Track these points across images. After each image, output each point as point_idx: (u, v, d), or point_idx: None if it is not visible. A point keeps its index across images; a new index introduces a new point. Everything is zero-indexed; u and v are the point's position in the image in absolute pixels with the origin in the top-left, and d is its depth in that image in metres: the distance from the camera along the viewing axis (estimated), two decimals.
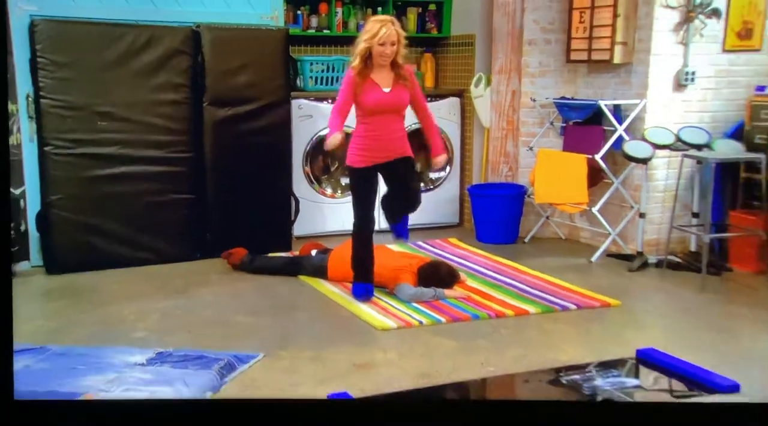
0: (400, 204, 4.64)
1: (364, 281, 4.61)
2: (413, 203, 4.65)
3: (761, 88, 5.68)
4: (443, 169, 6.56)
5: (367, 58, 4.31)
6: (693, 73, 5.59)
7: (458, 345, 3.98)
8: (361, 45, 4.31)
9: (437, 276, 4.80)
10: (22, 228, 5.23)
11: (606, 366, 3.74)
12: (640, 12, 5.61)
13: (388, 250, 5.23)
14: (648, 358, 3.80)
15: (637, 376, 3.70)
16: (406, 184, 4.58)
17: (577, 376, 3.59)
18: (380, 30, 4.24)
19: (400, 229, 4.79)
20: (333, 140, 4.29)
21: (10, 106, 5.11)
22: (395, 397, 2.74)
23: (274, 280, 5.07)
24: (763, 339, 4.13)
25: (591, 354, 3.90)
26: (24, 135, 5.19)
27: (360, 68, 4.31)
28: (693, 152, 5.31)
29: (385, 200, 4.73)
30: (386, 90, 4.38)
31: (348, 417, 2.04)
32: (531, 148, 6.25)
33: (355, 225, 4.56)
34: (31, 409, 1.85)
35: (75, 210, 5.22)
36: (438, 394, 3.43)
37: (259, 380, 3.53)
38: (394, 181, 4.57)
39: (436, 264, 4.99)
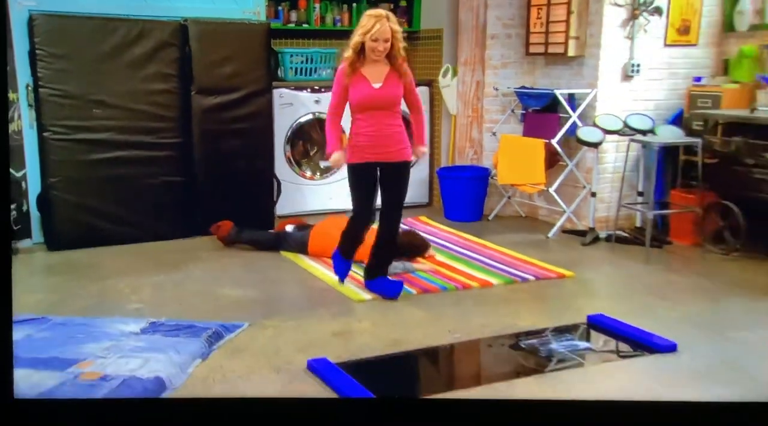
0: (388, 219, 4.21)
1: (346, 257, 4.33)
2: (398, 206, 4.21)
3: (698, 79, 5.74)
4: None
5: (360, 51, 4.00)
6: (638, 65, 5.62)
7: (427, 314, 3.99)
8: (354, 38, 4.01)
9: (411, 245, 4.82)
10: (24, 208, 5.21)
11: (560, 331, 3.79)
12: (591, 9, 5.62)
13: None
14: (598, 323, 3.86)
15: (588, 339, 3.75)
16: (397, 188, 4.17)
17: (534, 341, 3.63)
18: (374, 26, 3.92)
19: (384, 286, 4.24)
20: (335, 160, 4.13)
21: (11, 95, 5.08)
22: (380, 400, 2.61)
23: (258, 256, 5.05)
24: (698, 304, 4.18)
25: (547, 320, 3.94)
26: (24, 122, 5.15)
27: (352, 60, 4.00)
28: (639, 137, 5.34)
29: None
30: (376, 85, 4.02)
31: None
32: (494, 134, 6.26)
33: (352, 218, 4.24)
34: (30, 408, 1.80)
35: (73, 191, 5.18)
36: (409, 359, 3.45)
37: (245, 348, 3.53)
38: (387, 181, 4.14)
39: (410, 234, 5.00)
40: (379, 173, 4.11)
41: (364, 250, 4.34)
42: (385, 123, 4.04)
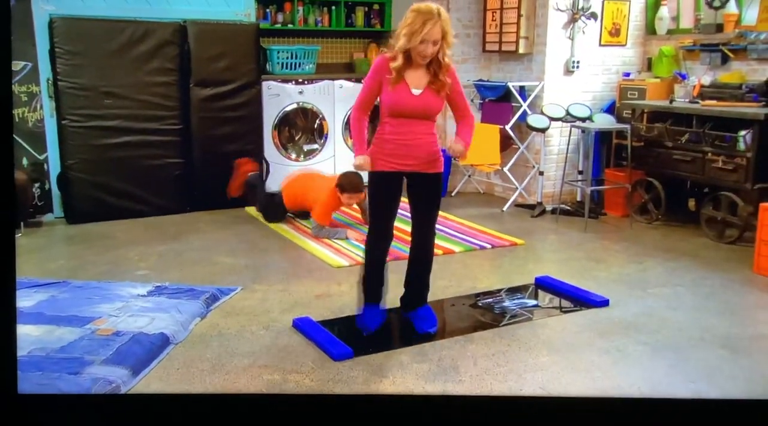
0: (419, 237, 3.24)
1: (373, 302, 3.26)
2: (430, 223, 3.22)
3: (627, 74, 5.75)
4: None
5: (406, 54, 2.95)
6: (578, 62, 5.60)
7: (398, 278, 3.91)
8: (400, 41, 2.91)
9: (350, 182, 4.74)
10: (46, 187, 5.15)
11: (513, 291, 3.79)
12: (538, 13, 5.57)
13: (310, 175, 5.25)
14: (544, 284, 3.86)
15: (536, 297, 3.75)
16: (428, 201, 3.18)
17: (490, 300, 3.63)
18: (424, 26, 2.86)
19: (421, 319, 3.25)
20: (359, 165, 3.08)
21: (34, 88, 5.02)
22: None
23: (249, 228, 4.99)
24: (626, 265, 4.21)
25: (501, 282, 3.94)
26: (46, 111, 5.08)
27: (400, 67, 2.95)
28: (579, 124, 5.34)
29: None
30: (416, 92, 2.98)
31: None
32: None
33: (368, 238, 3.24)
34: (34, 403, 1.71)
35: (88, 171, 5.11)
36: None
37: (238, 308, 3.48)
38: (416, 193, 3.15)
39: (351, 174, 4.73)
40: (407, 187, 3.16)
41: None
42: (418, 132, 3.03)
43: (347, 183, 4.75)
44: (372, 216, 3.23)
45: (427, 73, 2.99)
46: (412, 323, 3.26)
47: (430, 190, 3.14)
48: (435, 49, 2.92)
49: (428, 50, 2.91)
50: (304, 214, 5.04)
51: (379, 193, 3.13)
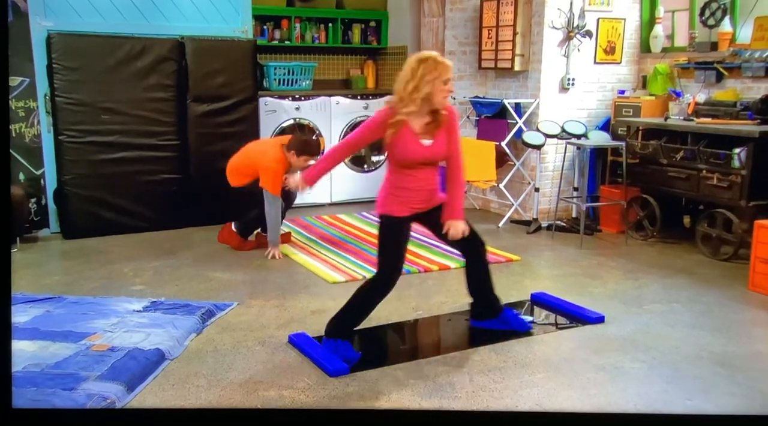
0: (468, 251, 3.28)
1: (341, 336, 3.09)
2: (478, 245, 3.29)
3: (622, 92, 5.80)
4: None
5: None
6: (573, 79, 5.65)
7: (394, 294, 3.89)
8: (424, 89, 2.87)
9: (304, 142, 4.66)
10: (43, 202, 5.16)
11: (509, 307, 3.78)
12: (533, 31, 5.63)
13: (253, 142, 4.99)
14: (539, 300, 3.88)
15: (532, 313, 3.75)
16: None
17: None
18: (441, 67, 2.91)
19: (515, 320, 3.40)
20: (294, 183, 3.11)
21: (31, 104, 5.03)
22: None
23: None
24: (622, 282, 4.22)
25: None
26: (43, 127, 5.10)
27: (410, 115, 2.93)
28: (574, 140, 5.37)
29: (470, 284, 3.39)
30: (426, 143, 2.97)
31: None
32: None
33: (376, 277, 3.12)
34: (29, 417, 1.69)
35: (84, 187, 5.12)
36: (378, 332, 3.43)
37: (233, 324, 3.48)
38: (438, 227, 3.16)
39: (302, 136, 4.74)
40: (427, 225, 3.22)
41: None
42: (429, 177, 3.07)
43: (301, 144, 4.54)
44: (381, 256, 3.09)
45: (429, 118, 2.98)
46: (510, 326, 3.38)
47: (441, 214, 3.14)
48: (451, 87, 2.98)
49: (450, 91, 2.97)
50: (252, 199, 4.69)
51: (390, 237, 3.07)
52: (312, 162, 4.48)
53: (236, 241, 4.81)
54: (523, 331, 3.39)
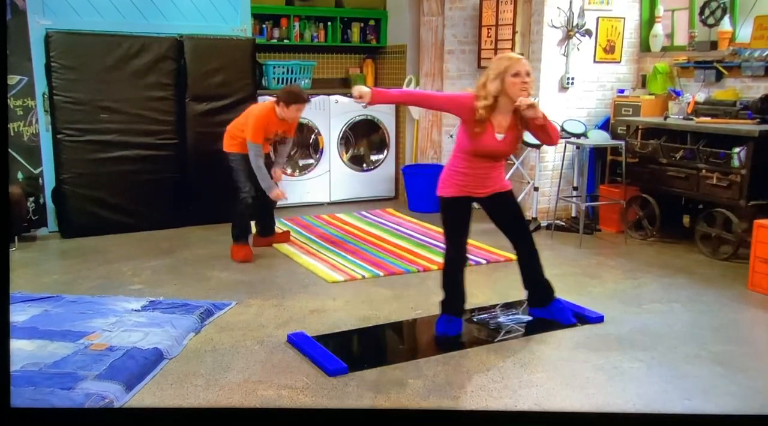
0: (518, 241, 3.48)
1: (450, 313, 3.40)
2: (525, 233, 3.50)
3: (621, 91, 5.79)
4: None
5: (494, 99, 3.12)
6: (572, 78, 5.64)
7: (393, 293, 3.97)
8: (490, 86, 3.10)
9: (292, 94, 4.42)
10: (41, 201, 5.14)
11: (508, 306, 3.79)
12: (532, 30, 5.62)
13: (257, 105, 4.75)
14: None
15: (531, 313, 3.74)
16: (512, 216, 3.44)
17: (485, 315, 3.63)
18: (510, 61, 3.11)
19: (560, 312, 3.51)
20: (359, 93, 3.25)
21: (30, 103, 5.02)
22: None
23: None
24: (621, 281, 4.22)
25: (496, 298, 3.94)
26: (41, 125, 5.08)
27: (487, 109, 3.13)
28: (573, 140, 5.37)
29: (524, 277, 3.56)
30: (499, 136, 3.18)
31: None
32: (451, 136, 6.23)
33: (445, 258, 3.42)
34: (27, 417, 1.69)
35: (83, 186, 5.12)
36: (378, 332, 3.43)
37: (232, 323, 3.48)
38: (498, 214, 3.45)
39: (288, 87, 4.58)
40: (488, 213, 3.45)
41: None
42: (494, 168, 3.30)
43: (286, 94, 4.40)
44: (447, 238, 3.38)
45: (510, 114, 3.18)
46: (554, 318, 3.50)
47: (506, 203, 3.40)
48: (530, 80, 3.10)
49: (524, 79, 3.06)
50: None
51: (453, 217, 3.35)
52: (303, 109, 4.48)
53: (240, 252, 4.55)
54: (565, 324, 3.48)
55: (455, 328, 3.37)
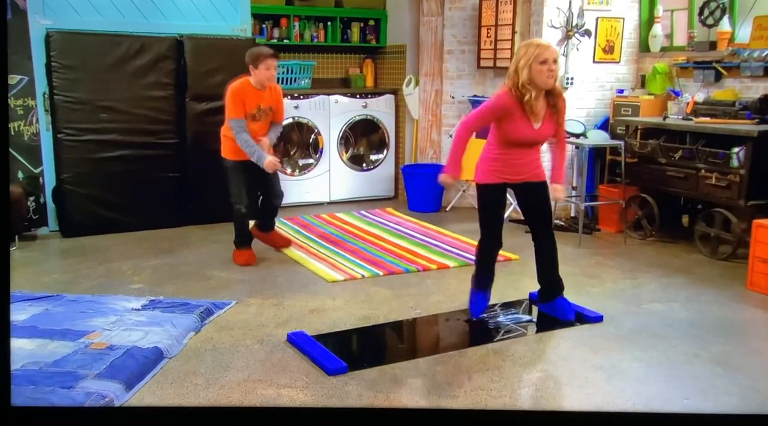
0: (539, 234, 3.53)
1: (481, 288, 3.58)
2: (547, 224, 3.53)
3: (621, 91, 5.80)
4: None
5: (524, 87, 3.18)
6: (572, 79, 5.65)
7: (393, 293, 3.97)
8: (522, 75, 3.15)
9: (254, 53, 4.17)
10: (42, 200, 5.14)
11: (507, 306, 3.79)
12: (532, 30, 5.63)
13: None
14: (537, 299, 3.86)
15: (530, 313, 3.75)
16: (538, 206, 3.48)
17: (484, 315, 3.63)
18: (538, 48, 3.15)
19: (561, 309, 3.56)
20: (446, 180, 3.38)
21: (30, 102, 5.02)
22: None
23: None
24: (620, 281, 4.23)
25: (495, 297, 3.91)
26: (41, 125, 5.08)
27: (521, 98, 3.20)
28: (573, 140, 5.37)
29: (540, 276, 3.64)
30: (536, 125, 3.27)
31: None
32: (451, 136, 6.24)
33: (480, 244, 3.52)
34: (27, 415, 1.69)
35: (83, 185, 5.12)
36: (377, 331, 3.43)
37: (232, 322, 3.49)
38: (527, 202, 3.52)
39: (250, 52, 4.23)
40: (517, 199, 3.59)
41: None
42: (530, 153, 3.37)
43: (250, 56, 4.14)
44: (483, 225, 3.46)
45: (546, 104, 3.26)
46: (554, 313, 3.56)
47: (538, 195, 3.45)
48: (556, 68, 3.16)
49: (551, 67, 3.13)
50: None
51: (489, 204, 3.43)
52: (272, 65, 4.12)
53: (242, 256, 4.46)
54: (563, 320, 3.52)
55: (482, 305, 3.55)
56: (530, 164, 3.39)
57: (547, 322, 3.59)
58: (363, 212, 6.01)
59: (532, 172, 3.40)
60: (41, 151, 5.08)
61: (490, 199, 3.42)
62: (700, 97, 5.13)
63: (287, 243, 4.81)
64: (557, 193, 3.49)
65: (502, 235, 3.48)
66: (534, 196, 3.46)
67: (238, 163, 4.29)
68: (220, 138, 4.49)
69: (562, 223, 5.54)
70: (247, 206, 4.40)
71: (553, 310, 3.59)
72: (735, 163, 4.49)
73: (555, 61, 3.17)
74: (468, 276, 4.33)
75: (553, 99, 3.28)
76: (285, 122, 6.02)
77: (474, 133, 3.43)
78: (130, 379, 2.79)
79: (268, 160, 4.18)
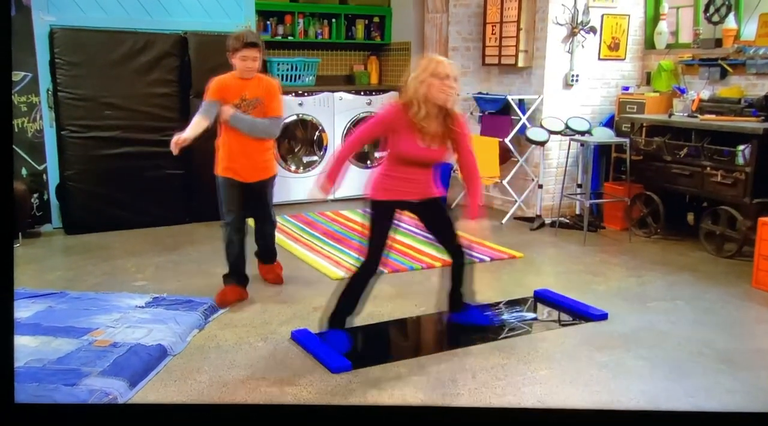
0: (450, 249, 3.34)
1: (340, 328, 3.18)
2: (455, 235, 3.32)
3: (626, 88, 5.78)
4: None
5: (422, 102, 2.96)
6: (577, 76, 5.63)
7: (397, 291, 3.97)
8: (421, 90, 2.93)
9: (233, 37, 3.74)
10: (45, 197, 5.15)
11: (512, 303, 3.79)
12: (537, 27, 5.62)
13: None
14: (542, 297, 3.87)
15: (534, 310, 3.75)
16: (442, 220, 3.29)
17: (489, 313, 3.62)
18: (439, 65, 2.94)
19: (474, 316, 3.46)
20: (321, 191, 3.17)
21: (34, 99, 5.02)
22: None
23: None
24: (625, 279, 4.22)
25: (500, 295, 3.94)
26: (45, 122, 5.08)
27: (423, 116, 2.96)
28: (578, 137, 5.36)
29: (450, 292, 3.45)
30: (423, 144, 3.04)
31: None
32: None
33: (359, 268, 3.18)
34: (31, 412, 1.69)
35: (87, 182, 5.12)
36: (382, 329, 3.43)
37: (236, 320, 3.49)
38: (431, 220, 3.30)
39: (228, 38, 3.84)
40: (420, 220, 3.32)
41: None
42: (420, 172, 3.13)
43: (229, 42, 3.74)
44: (368, 242, 3.15)
45: (440, 121, 3.01)
46: (468, 321, 3.43)
47: (437, 209, 3.24)
48: (456, 86, 2.98)
49: (451, 84, 2.93)
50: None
51: (377, 221, 3.15)
52: (248, 56, 3.72)
53: (234, 292, 3.76)
54: (483, 324, 3.44)
55: (347, 344, 3.11)
56: (423, 183, 3.14)
57: (552, 321, 3.59)
58: (367, 209, 5.99)
59: (426, 191, 3.16)
60: (45, 147, 5.09)
61: (377, 214, 3.14)
62: (705, 94, 5.11)
63: (279, 281, 4.14)
64: (469, 230, 3.23)
65: (381, 257, 3.14)
66: (435, 208, 3.23)
67: (225, 180, 3.89)
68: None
69: (567, 221, 5.52)
70: (228, 223, 3.79)
71: (468, 318, 3.45)
72: (740, 160, 4.47)
73: (455, 79, 2.96)
74: (474, 274, 4.34)
75: (450, 120, 3.03)
76: (289, 119, 6.05)
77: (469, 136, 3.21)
78: (133, 377, 2.79)
79: (175, 138, 3.72)
